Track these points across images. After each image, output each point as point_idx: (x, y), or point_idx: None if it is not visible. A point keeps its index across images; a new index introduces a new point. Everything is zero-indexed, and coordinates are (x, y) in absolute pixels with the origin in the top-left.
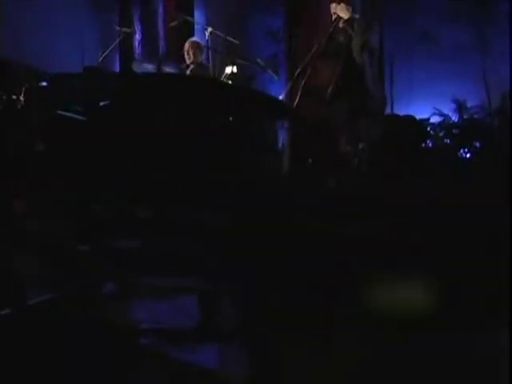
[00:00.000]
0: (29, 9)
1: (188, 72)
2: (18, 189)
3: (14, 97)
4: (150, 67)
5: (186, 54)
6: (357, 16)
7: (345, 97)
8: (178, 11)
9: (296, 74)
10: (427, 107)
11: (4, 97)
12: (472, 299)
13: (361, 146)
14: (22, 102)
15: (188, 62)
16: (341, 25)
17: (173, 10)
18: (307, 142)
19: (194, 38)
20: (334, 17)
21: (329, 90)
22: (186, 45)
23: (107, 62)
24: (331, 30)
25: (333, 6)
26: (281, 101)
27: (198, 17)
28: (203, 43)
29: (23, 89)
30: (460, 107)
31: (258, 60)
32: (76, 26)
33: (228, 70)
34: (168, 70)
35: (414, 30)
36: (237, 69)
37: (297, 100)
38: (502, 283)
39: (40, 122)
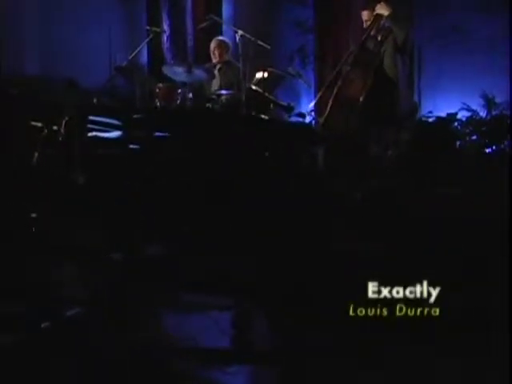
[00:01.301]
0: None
1: (216, 71)
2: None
3: (55, 127)
4: (180, 70)
5: (211, 53)
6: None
7: (376, 107)
8: (207, 9)
9: (327, 83)
10: (455, 101)
11: (46, 130)
12: None
13: (390, 152)
14: (63, 134)
15: (214, 61)
16: (381, 24)
17: (202, 8)
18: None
19: (220, 37)
20: (365, 24)
21: (360, 102)
22: (212, 44)
23: (136, 62)
24: (364, 38)
25: (365, 13)
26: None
27: (226, 7)
28: (229, 42)
29: (64, 120)
30: (489, 103)
31: (290, 69)
32: (104, 22)
33: (259, 75)
34: (198, 73)
35: (444, 22)
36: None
37: (327, 111)
38: None
39: (81, 154)
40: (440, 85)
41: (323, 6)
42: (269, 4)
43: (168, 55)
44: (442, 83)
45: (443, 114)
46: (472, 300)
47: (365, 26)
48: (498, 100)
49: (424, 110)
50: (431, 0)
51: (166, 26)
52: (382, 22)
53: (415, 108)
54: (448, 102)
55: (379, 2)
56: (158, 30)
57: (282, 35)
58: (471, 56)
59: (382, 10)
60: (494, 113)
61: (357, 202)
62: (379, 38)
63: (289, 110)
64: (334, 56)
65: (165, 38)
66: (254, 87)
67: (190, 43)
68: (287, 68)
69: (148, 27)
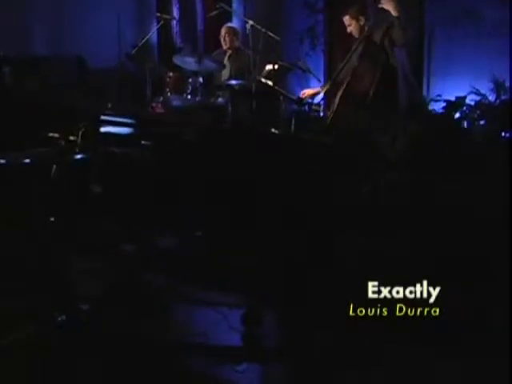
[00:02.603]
0: None
1: (226, 58)
2: None
3: (72, 138)
4: (190, 60)
5: (222, 39)
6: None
7: (383, 99)
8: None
9: (335, 76)
10: (464, 85)
11: (62, 142)
12: None
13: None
14: (80, 144)
15: (225, 47)
16: (385, 24)
17: None
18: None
19: (230, 24)
20: (348, 29)
21: (369, 96)
22: (222, 30)
23: (146, 47)
24: (368, 30)
25: (346, 18)
26: None
27: None
28: (239, 28)
29: (80, 130)
30: (498, 87)
31: (300, 62)
32: (112, 3)
33: (268, 67)
34: (208, 63)
35: (455, 5)
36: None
37: (336, 106)
38: None
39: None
40: (450, 68)
41: None
42: None
43: (178, 40)
44: (452, 66)
45: (452, 98)
46: (472, 300)
47: (348, 30)
48: (507, 84)
49: (433, 93)
50: None
51: (175, 10)
52: (385, 15)
53: (422, 101)
54: (457, 86)
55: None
56: (168, 17)
57: (291, 16)
58: (481, 40)
59: (389, 6)
60: (503, 97)
61: (363, 198)
62: (383, 32)
63: (299, 102)
64: (343, 37)
65: (174, 23)
66: (263, 80)
67: (199, 27)
68: (297, 61)
69: (158, 14)
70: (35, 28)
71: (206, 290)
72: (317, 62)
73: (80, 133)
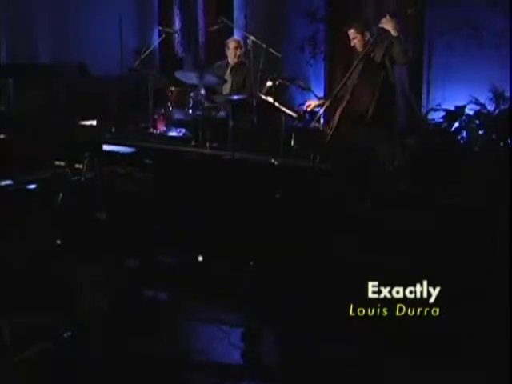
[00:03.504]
0: None
1: (228, 71)
2: None
3: (78, 165)
4: (192, 75)
5: (227, 52)
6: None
7: (382, 117)
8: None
9: (335, 92)
10: (464, 94)
11: (69, 171)
12: None
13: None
14: (85, 171)
15: (229, 60)
16: (386, 42)
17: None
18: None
19: (235, 37)
20: (352, 42)
21: (368, 115)
22: (229, 43)
23: (147, 60)
24: (369, 48)
25: (351, 32)
26: None
27: None
28: (242, 42)
29: (85, 159)
30: (497, 97)
31: (300, 82)
32: (115, 8)
33: (269, 83)
34: (209, 78)
35: (455, 15)
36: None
37: (335, 124)
38: None
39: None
40: (449, 77)
41: None
42: None
43: (179, 50)
44: (452, 76)
45: (451, 107)
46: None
47: (352, 44)
48: (507, 94)
49: (433, 103)
50: None
51: (177, 21)
52: (386, 35)
53: (420, 118)
54: (457, 95)
55: (393, 17)
56: (170, 30)
57: (292, 24)
58: (481, 49)
59: (389, 26)
60: (502, 107)
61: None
62: (383, 51)
63: (299, 118)
64: (344, 46)
65: (176, 42)
66: (264, 97)
67: (201, 39)
68: (298, 81)
69: (160, 27)
70: (37, 35)
71: (207, 308)
72: (318, 71)
73: (85, 161)
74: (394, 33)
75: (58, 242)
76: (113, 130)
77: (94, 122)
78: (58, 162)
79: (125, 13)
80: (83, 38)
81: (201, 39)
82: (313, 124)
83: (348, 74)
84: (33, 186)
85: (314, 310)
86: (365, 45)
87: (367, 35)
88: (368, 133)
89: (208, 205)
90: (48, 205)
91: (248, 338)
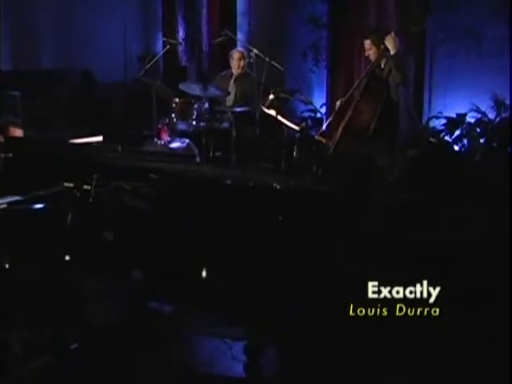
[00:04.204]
0: None
1: (232, 81)
2: None
3: (87, 187)
4: (196, 87)
5: (232, 62)
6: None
7: (383, 134)
8: (222, 13)
9: (336, 110)
10: (465, 102)
11: (78, 194)
12: None
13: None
14: (93, 193)
15: (234, 70)
16: (384, 60)
17: (217, 12)
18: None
19: (240, 48)
20: (367, 53)
21: (370, 130)
22: (235, 54)
23: (152, 71)
24: (373, 66)
25: (367, 42)
26: None
27: (241, 1)
28: (246, 53)
29: (93, 181)
30: (498, 105)
31: (302, 97)
32: (119, 14)
33: (271, 97)
34: (213, 91)
35: (457, 24)
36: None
37: (337, 139)
38: None
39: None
40: (451, 86)
41: (338, 2)
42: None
43: (183, 58)
44: (453, 84)
45: (453, 115)
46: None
47: (366, 54)
48: (507, 102)
49: (434, 110)
50: (445, 2)
51: (181, 30)
52: (387, 54)
53: (420, 134)
54: (458, 103)
55: (389, 34)
56: (174, 41)
57: (295, 31)
58: (482, 58)
59: (391, 45)
60: (503, 115)
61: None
62: (386, 68)
63: (301, 130)
64: (347, 53)
65: (180, 53)
66: (266, 110)
67: (205, 48)
68: (299, 94)
69: (164, 38)
70: (41, 40)
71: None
72: (320, 78)
73: (93, 183)
74: (392, 51)
75: (67, 258)
76: (119, 149)
77: (100, 138)
78: (66, 184)
79: (129, 20)
80: (88, 46)
81: (205, 49)
82: (316, 137)
83: (352, 90)
84: (41, 206)
85: (316, 323)
86: (385, 50)
87: (382, 47)
88: (369, 147)
89: (212, 221)
90: (57, 225)
91: (251, 351)
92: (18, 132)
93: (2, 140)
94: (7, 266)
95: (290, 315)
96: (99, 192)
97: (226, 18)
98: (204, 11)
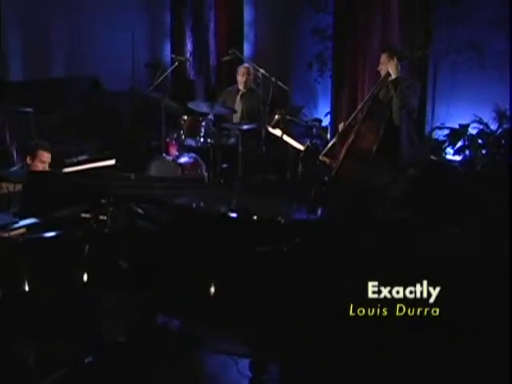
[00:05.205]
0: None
1: (238, 97)
2: None
3: (103, 217)
4: (203, 106)
5: (239, 78)
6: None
7: (384, 157)
8: (229, 26)
9: (340, 132)
10: (468, 114)
11: (94, 225)
12: None
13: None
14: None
15: (240, 87)
16: (386, 83)
17: (224, 26)
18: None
19: (246, 64)
20: (379, 67)
21: (372, 152)
22: (242, 70)
23: (160, 86)
24: (377, 89)
25: (383, 56)
26: None
27: (248, 12)
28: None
29: (109, 211)
30: (501, 116)
31: (307, 120)
32: (127, 25)
33: (277, 117)
34: (219, 109)
35: (460, 37)
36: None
37: (339, 161)
38: None
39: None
40: (453, 97)
41: (343, 14)
42: (289, 10)
43: (191, 72)
44: (456, 95)
45: (456, 126)
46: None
47: (378, 68)
48: (509, 113)
49: (437, 121)
50: (448, 15)
51: (189, 44)
52: (389, 78)
53: (422, 157)
54: (461, 114)
55: (392, 59)
56: (183, 58)
57: (301, 41)
58: (485, 70)
59: (392, 69)
60: (504, 126)
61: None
62: (389, 92)
63: (305, 150)
64: (352, 64)
65: (188, 55)
66: (272, 130)
67: (212, 63)
68: (304, 118)
69: (173, 55)
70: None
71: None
72: (325, 88)
73: (109, 214)
74: (393, 75)
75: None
76: (132, 177)
77: (113, 162)
78: (84, 215)
79: (137, 28)
80: (96, 54)
81: (212, 63)
82: (320, 157)
83: (356, 112)
84: (57, 233)
85: (319, 338)
86: (388, 74)
87: (395, 62)
88: (371, 169)
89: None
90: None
91: (256, 367)
92: (46, 156)
93: (30, 162)
94: (26, 286)
95: (293, 332)
96: (114, 221)
97: (233, 33)
98: (211, 26)
